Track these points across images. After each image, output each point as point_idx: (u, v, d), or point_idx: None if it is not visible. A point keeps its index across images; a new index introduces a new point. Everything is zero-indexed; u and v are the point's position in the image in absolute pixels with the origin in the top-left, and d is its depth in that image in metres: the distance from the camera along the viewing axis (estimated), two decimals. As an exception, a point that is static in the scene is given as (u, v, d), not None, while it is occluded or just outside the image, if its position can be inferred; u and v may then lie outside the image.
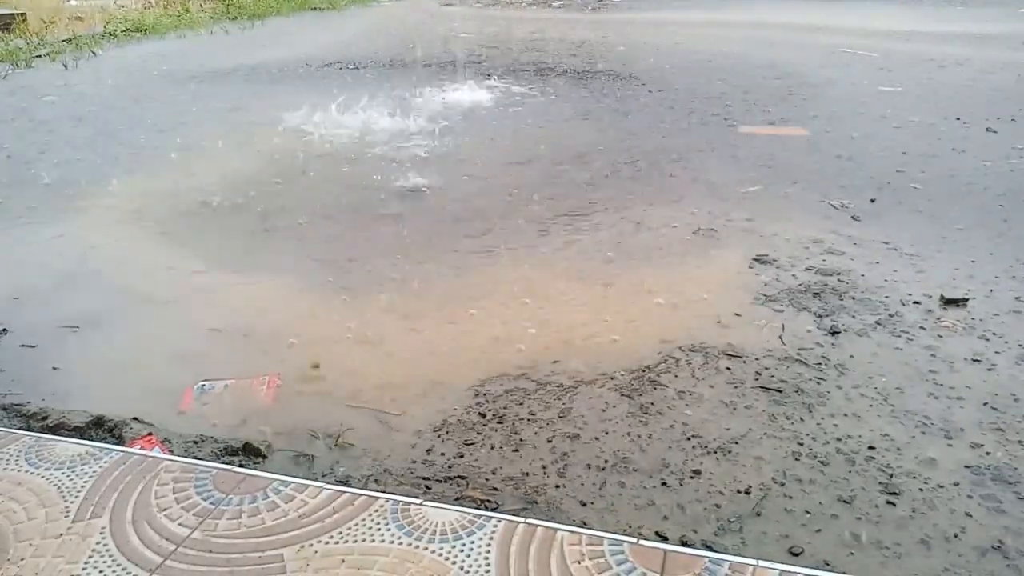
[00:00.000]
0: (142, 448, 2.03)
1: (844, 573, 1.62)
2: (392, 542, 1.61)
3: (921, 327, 2.64)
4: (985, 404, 2.21)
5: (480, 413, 2.23)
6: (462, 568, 1.54)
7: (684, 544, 1.70)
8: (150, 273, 3.23)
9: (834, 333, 2.60)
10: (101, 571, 1.55)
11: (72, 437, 2.07)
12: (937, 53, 7.58)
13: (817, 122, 5.28)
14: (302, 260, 3.33)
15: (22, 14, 9.82)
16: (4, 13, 9.64)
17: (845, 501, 1.85)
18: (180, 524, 1.67)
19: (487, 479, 1.96)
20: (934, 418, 2.15)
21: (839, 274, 3.03)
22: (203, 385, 2.38)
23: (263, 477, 1.83)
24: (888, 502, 1.84)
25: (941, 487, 1.89)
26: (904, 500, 1.84)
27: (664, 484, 1.92)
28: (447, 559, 1.56)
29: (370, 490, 1.82)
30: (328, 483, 1.83)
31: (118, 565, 1.56)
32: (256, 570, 1.55)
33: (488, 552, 1.57)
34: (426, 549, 1.59)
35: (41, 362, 2.55)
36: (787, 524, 1.78)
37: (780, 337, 2.58)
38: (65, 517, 1.70)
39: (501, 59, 7.67)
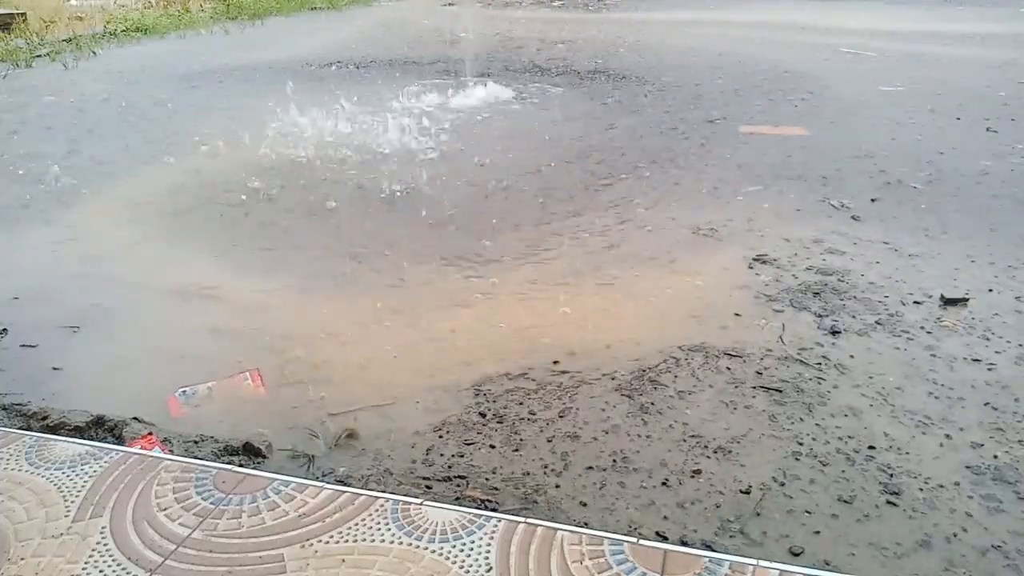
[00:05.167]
0: (142, 448, 2.03)
1: (844, 573, 1.62)
2: (392, 542, 1.61)
3: (921, 327, 2.64)
4: (985, 404, 2.21)
5: (480, 413, 2.23)
6: (462, 568, 1.54)
7: (684, 544, 1.71)
8: (150, 272, 3.23)
9: (834, 333, 2.60)
10: (101, 571, 1.55)
11: (72, 437, 2.07)
12: (937, 53, 7.58)
13: (817, 121, 5.28)
14: (302, 259, 3.34)
15: (22, 14, 9.81)
16: (4, 13, 9.63)
17: (845, 501, 1.85)
18: (180, 524, 1.67)
19: (487, 479, 1.96)
20: (934, 418, 2.16)
21: (839, 274, 3.03)
22: (184, 391, 2.36)
23: (263, 477, 1.83)
24: (888, 502, 1.84)
25: (941, 487, 1.89)
26: (904, 500, 1.85)
27: (664, 484, 1.92)
28: (447, 559, 1.56)
29: (370, 490, 1.82)
30: (328, 483, 1.83)
31: (118, 565, 1.56)
32: (256, 570, 1.55)
33: (488, 552, 1.58)
34: (426, 549, 1.59)
35: (41, 362, 2.56)
36: (787, 524, 1.78)
37: (780, 337, 2.58)
38: (65, 517, 1.70)
39: (501, 58, 7.66)
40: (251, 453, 2.06)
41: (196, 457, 2.01)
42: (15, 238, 3.63)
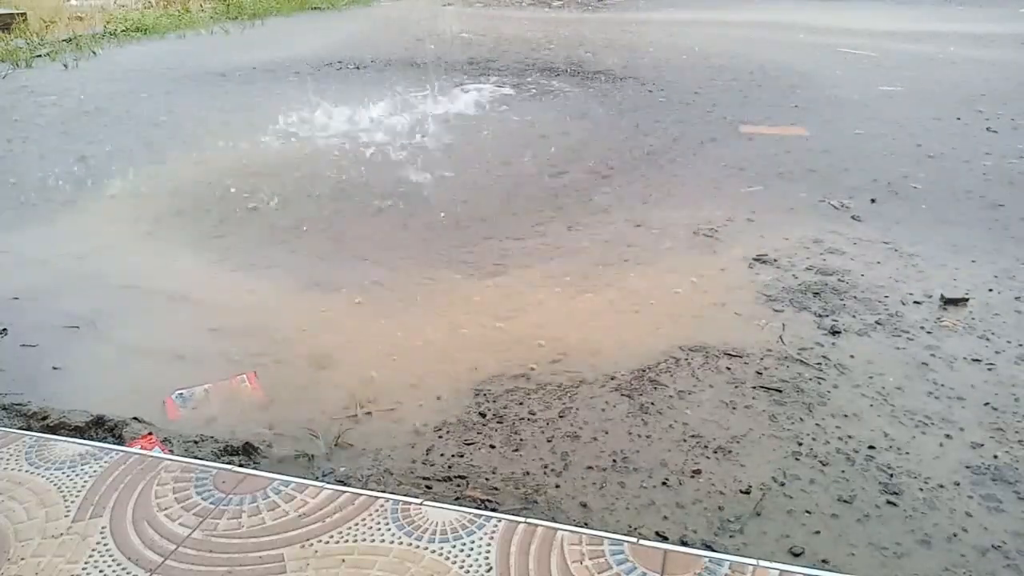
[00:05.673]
0: (142, 448, 2.03)
1: (844, 573, 1.62)
2: (392, 542, 1.61)
3: (921, 327, 2.64)
4: (985, 404, 2.21)
5: (480, 413, 2.23)
6: (462, 568, 1.54)
7: (684, 544, 1.71)
8: (150, 272, 3.23)
9: (834, 333, 2.60)
10: (101, 571, 1.55)
11: (72, 437, 2.07)
12: (937, 53, 7.58)
13: (817, 122, 5.28)
14: (301, 260, 3.33)
15: (22, 14, 9.80)
16: (4, 13, 9.62)
17: (845, 501, 1.85)
18: (180, 524, 1.67)
19: (487, 479, 1.96)
20: (934, 418, 2.16)
21: (839, 274, 3.03)
22: (181, 393, 2.36)
23: (263, 477, 1.83)
24: (888, 502, 1.84)
25: (941, 487, 1.89)
26: (904, 500, 1.85)
27: (664, 484, 1.92)
28: (447, 559, 1.56)
29: (370, 490, 1.82)
30: (328, 483, 1.83)
31: (118, 565, 1.56)
32: (256, 570, 1.55)
33: (488, 552, 1.58)
34: (426, 549, 1.59)
35: (41, 362, 2.55)
36: (787, 524, 1.78)
37: (780, 337, 2.58)
38: (65, 517, 1.70)
39: (500, 59, 7.66)
40: (251, 453, 2.06)
41: (196, 457, 2.01)
42: (15, 238, 3.62)
